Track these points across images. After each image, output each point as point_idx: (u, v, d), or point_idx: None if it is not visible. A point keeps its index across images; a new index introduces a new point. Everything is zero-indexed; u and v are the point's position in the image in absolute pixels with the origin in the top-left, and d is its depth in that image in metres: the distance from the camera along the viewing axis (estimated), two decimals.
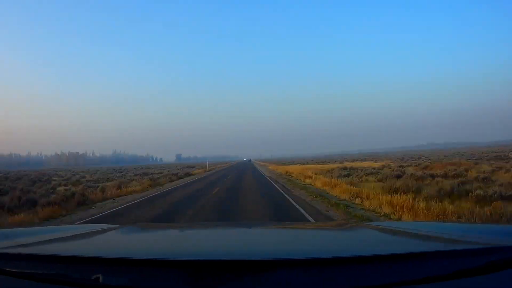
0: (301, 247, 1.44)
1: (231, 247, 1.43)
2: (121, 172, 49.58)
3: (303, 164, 57.16)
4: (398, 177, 16.67)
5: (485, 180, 13.67)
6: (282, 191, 14.96)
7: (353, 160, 59.47)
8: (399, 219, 7.42)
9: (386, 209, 8.39)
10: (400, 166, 26.80)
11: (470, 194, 10.07)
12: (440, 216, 6.88)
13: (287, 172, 29.52)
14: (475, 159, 32.99)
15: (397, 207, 8.11)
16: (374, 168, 26.02)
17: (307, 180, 19.41)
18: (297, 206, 10.22)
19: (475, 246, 1.23)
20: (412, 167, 25.88)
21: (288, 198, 12.45)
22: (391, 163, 35.83)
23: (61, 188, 19.58)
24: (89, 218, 9.58)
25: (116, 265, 1.03)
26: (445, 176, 16.84)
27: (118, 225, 2.09)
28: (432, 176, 16.68)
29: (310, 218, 8.27)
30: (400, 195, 9.00)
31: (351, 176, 20.13)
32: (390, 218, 7.66)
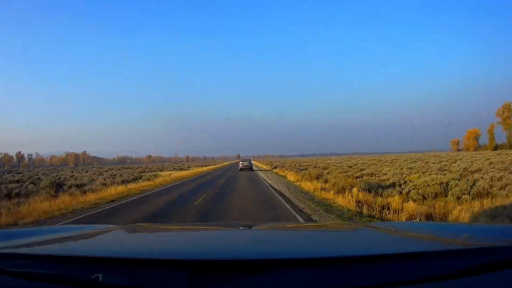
0: (301, 246, 1.45)
1: (230, 247, 1.43)
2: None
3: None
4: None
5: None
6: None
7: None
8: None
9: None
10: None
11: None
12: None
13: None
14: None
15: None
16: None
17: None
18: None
19: (475, 246, 1.23)
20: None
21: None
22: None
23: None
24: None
25: (116, 265, 1.03)
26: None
27: (118, 225, 2.09)
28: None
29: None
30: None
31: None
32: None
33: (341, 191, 11.69)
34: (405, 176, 15.47)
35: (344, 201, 9.78)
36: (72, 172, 45.11)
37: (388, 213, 7.73)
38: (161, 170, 44.85)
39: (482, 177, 11.37)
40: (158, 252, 1.32)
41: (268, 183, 19.15)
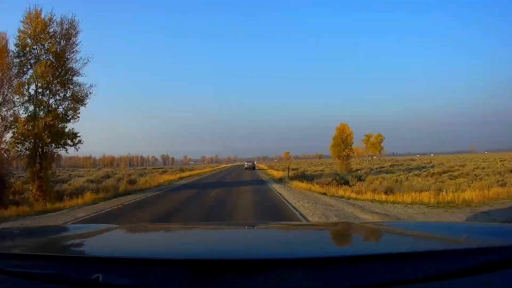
0: (300, 246, 1.45)
1: (230, 247, 1.44)
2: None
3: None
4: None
5: None
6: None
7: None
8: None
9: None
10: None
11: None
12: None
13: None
14: None
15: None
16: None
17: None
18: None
19: (475, 246, 1.23)
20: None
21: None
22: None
23: None
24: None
25: (116, 265, 1.03)
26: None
27: (118, 225, 2.09)
28: None
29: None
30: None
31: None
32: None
33: None
34: None
35: None
36: None
37: None
38: None
39: None
40: (158, 251, 1.32)
41: None
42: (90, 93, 13.42)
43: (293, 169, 28.27)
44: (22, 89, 12.34)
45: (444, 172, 21.35)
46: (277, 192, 14.55)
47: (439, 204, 9.49)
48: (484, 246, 1.19)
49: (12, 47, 12.35)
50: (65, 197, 12.62)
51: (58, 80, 12.79)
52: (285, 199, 11.94)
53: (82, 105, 13.31)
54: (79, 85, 13.35)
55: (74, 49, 13.30)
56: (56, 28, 12.95)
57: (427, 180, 15.63)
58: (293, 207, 9.89)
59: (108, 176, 24.89)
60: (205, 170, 49.96)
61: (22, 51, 12.62)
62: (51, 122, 12.30)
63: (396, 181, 14.97)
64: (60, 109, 13.06)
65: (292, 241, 1.63)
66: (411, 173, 20.66)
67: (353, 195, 11.80)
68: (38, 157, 12.37)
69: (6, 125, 11.93)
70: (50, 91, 12.81)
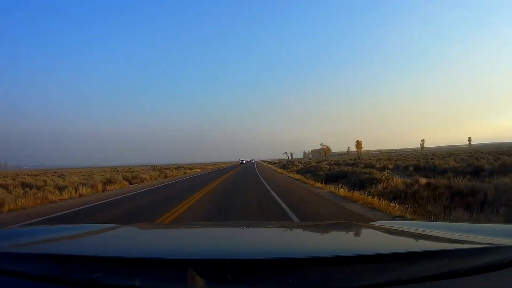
0: (301, 246, 1.45)
1: (229, 246, 1.43)
2: None
3: None
4: None
5: None
6: None
7: None
8: None
9: None
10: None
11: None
12: None
13: None
14: None
15: None
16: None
17: None
18: None
19: (475, 246, 1.23)
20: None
21: None
22: None
23: None
24: None
25: (116, 264, 1.03)
26: None
27: (118, 225, 2.09)
28: None
29: None
30: None
31: None
32: None
33: None
34: None
35: None
36: None
37: None
38: None
39: None
40: (158, 251, 1.32)
41: None
42: None
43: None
44: None
45: None
46: None
47: None
48: (484, 246, 1.19)
49: None
50: None
51: None
52: None
53: None
54: None
55: None
56: None
57: None
58: None
59: None
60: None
61: None
62: None
63: None
64: None
65: (292, 240, 1.62)
66: None
67: None
68: None
69: None
70: None
